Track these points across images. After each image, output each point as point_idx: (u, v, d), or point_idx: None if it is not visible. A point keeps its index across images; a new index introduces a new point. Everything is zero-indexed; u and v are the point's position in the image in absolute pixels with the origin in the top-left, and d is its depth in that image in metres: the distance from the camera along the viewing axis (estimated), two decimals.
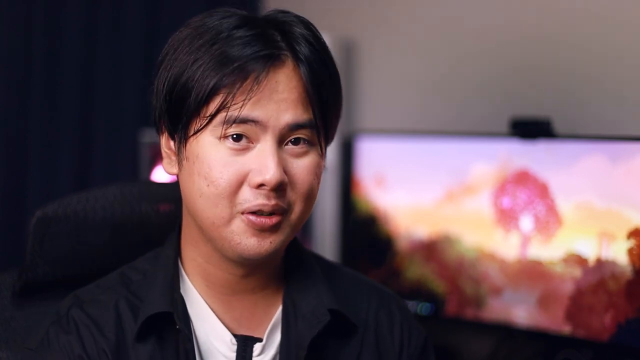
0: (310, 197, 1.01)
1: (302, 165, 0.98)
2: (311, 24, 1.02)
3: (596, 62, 1.82)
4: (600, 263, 1.61)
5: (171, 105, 0.98)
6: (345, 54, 2.27)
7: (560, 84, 1.88)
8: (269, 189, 0.95)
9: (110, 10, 2.30)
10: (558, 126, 1.75)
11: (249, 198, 0.96)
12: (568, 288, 1.66)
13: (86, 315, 1.01)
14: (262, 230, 0.97)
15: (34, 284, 1.15)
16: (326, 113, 1.00)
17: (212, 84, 0.95)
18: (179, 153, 1.00)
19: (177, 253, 1.06)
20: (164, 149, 1.03)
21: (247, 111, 0.95)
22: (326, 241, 2.18)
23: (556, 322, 1.68)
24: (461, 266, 1.84)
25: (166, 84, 0.98)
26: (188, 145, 0.98)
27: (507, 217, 1.77)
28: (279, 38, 0.98)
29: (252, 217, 0.96)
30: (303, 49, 0.98)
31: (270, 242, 0.98)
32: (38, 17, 2.17)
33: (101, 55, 2.27)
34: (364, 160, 2.01)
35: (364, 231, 2.01)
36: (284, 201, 0.97)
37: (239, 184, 0.96)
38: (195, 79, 0.96)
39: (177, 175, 1.02)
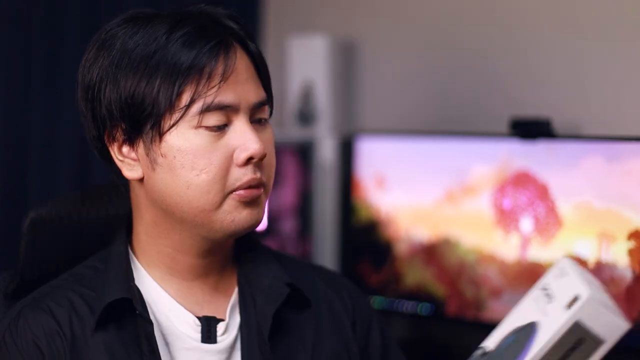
0: (274, 168, 1.08)
1: (266, 138, 1.04)
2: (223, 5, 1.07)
3: (597, 60, 1.82)
4: (600, 265, 1.60)
5: (129, 118, 1.01)
6: (344, 54, 2.27)
7: (560, 84, 1.88)
8: (256, 161, 1.02)
9: (111, 9, 2.29)
10: (558, 126, 1.74)
11: (239, 176, 1.01)
12: None
13: (41, 311, 1.03)
14: (251, 203, 1.03)
15: (27, 285, 1.14)
16: (271, 87, 1.08)
17: (177, 87, 0.99)
18: (148, 154, 1.02)
19: (128, 249, 1.10)
20: (118, 158, 1.05)
21: (221, 98, 1.00)
22: (326, 242, 2.18)
23: None
24: (461, 268, 1.83)
25: (116, 106, 1.01)
26: (163, 142, 1.01)
27: (507, 219, 1.76)
28: (216, 25, 1.03)
29: (242, 192, 1.01)
30: (239, 30, 1.04)
31: (258, 212, 1.04)
32: (38, 17, 2.17)
33: None
34: (364, 161, 2.01)
35: (364, 233, 2.00)
36: (263, 174, 1.04)
37: (228, 166, 1.01)
38: (153, 94, 0.99)
39: (143, 178, 1.04)
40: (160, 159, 1.01)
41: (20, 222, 1.14)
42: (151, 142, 1.01)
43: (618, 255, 1.58)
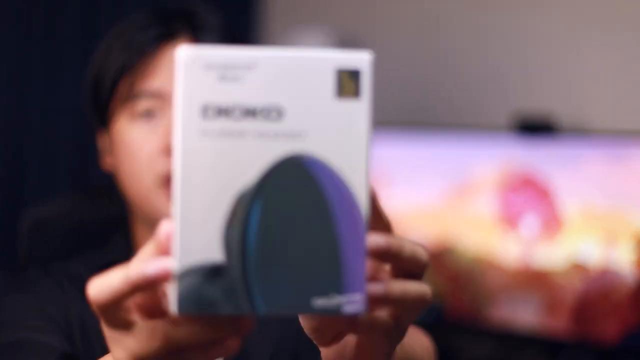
0: None
1: None
2: (219, 14, 1.07)
3: (598, 58, 1.81)
4: (604, 266, 1.59)
5: (95, 99, 1.03)
6: (344, 47, 2.26)
7: (564, 81, 1.87)
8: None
9: (110, 8, 2.29)
10: (561, 122, 1.73)
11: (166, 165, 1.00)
12: (571, 291, 1.64)
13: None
14: None
15: None
16: None
17: (119, 66, 1.00)
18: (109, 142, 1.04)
19: (129, 242, 1.06)
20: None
21: (150, 84, 0.99)
22: None
23: (559, 326, 1.66)
24: (463, 270, 1.82)
25: (90, 84, 1.04)
26: (112, 130, 1.02)
27: (509, 220, 1.75)
28: (178, 20, 1.02)
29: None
30: (202, 32, 1.03)
31: None
32: (38, 16, 2.16)
33: None
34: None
35: None
36: None
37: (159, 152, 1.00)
38: (107, 67, 1.01)
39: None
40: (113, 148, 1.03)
41: (18, 220, 1.13)
42: (108, 129, 1.03)
43: (622, 257, 1.57)
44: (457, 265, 1.83)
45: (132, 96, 0.99)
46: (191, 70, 0.51)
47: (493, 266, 1.76)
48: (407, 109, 2.17)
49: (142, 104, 0.99)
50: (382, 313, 0.56)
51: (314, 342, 0.61)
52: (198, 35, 1.02)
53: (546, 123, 1.73)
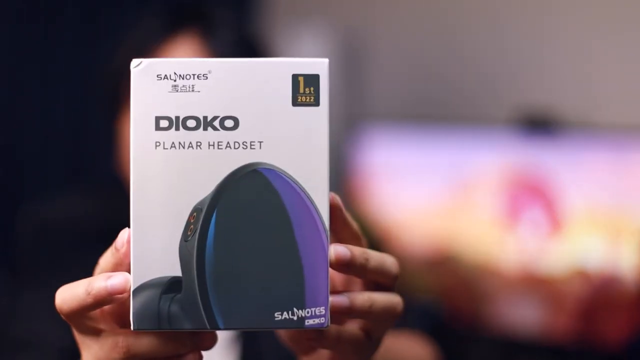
0: None
1: None
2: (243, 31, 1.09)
3: (600, 56, 1.79)
4: (608, 268, 1.57)
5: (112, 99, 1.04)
6: (347, 44, 2.25)
7: (568, 75, 1.85)
8: None
9: (109, 5, 2.29)
10: (566, 118, 1.72)
11: None
12: (574, 294, 1.62)
13: None
14: None
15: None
16: None
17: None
18: None
19: None
20: None
21: None
22: None
23: (562, 330, 1.65)
24: (464, 274, 1.80)
25: (106, 83, 1.05)
26: None
27: (511, 220, 1.73)
28: (191, 18, 1.02)
29: None
30: (214, 29, 1.02)
31: None
32: (34, 12, 2.17)
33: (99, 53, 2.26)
34: (365, 157, 1.98)
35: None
36: None
37: None
38: (121, 66, 1.01)
39: None
40: None
41: (13, 218, 1.13)
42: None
43: (627, 258, 1.55)
44: (458, 269, 1.81)
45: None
46: (144, 80, 0.50)
47: (494, 269, 1.75)
48: (409, 103, 2.16)
49: None
50: (351, 326, 0.55)
51: (292, 351, 0.60)
52: (210, 33, 1.01)
53: (550, 118, 1.71)
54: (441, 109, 2.05)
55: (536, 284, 1.68)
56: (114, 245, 0.52)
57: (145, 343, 0.51)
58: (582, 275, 1.61)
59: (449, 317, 1.84)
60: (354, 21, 2.26)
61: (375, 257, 0.53)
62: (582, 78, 1.82)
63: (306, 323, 0.50)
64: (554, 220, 1.67)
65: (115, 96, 1.00)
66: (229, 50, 1.02)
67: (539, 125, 1.71)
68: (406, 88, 2.17)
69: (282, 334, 0.59)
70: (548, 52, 1.89)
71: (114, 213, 1.13)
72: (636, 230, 1.54)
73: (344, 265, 0.51)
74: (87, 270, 1.01)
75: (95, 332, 0.54)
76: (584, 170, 1.62)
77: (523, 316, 1.71)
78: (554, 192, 1.67)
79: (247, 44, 1.06)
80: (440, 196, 1.84)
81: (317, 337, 0.53)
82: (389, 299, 0.54)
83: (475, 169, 1.78)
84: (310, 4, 2.38)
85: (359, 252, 0.52)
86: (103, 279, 0.50)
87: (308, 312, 0.50)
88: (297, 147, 0.50)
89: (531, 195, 1.71)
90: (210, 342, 0.52)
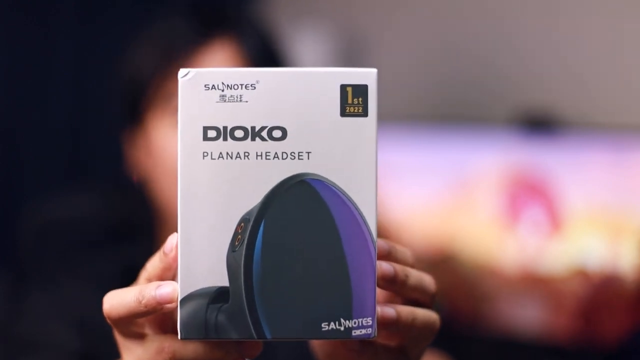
0: None
1: None
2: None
3: (601, 56, 1.80)
4: (609, 267, 1.58)
5: (130, 99, 1.02)
6: (347, 44, 2.25)
7: (568, 76, 1.86)
8: None
9: (106, 5, 2.28)
10: (565, 119, 1.72)
11: None
12: (575, 294, 1.63)
13: None
14: None
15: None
16: None
17: (157, 63, 0.99)
18: None
19: None
20: None
21: None
22: None
23: (562, 330, 1.65)
24: (464, 274, 1.81)
25: (123, 83, 1.03)
26: None
27: (511, 220, 1.74)
28: (216, 18, 1.00)
29: None
30: (240, 30, 1.00)
31: None
32: (31, 5, 2.15)
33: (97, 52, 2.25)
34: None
35: None
36: None
37: None
38: (145, 65, 1.00)
39: None
40: None
41: (16, 218, 1.13)
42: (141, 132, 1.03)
43: (628, 258, 1.56)
44: (458, 268, 1.82)
45: (171, 94, 0.95)
46: (191, 90, 0.50)
47: (494, 269, 1.75)
48: (408, 103, 2.16)
49: None
50: (391, 341, 0.55)
51: None
52: (237, 33, 1.00)
53: (550, 118, 1.71)
54: (441, 108, 2.05)
55: (536, 284, 1.69)
56: (162, 250, 0.52)
57: (190, 349, 0.51)
58: (582, 275, 1.62)
59: (449, 317, 1.85)
60: (353, 21, 2.26)
61: (415, 275, 0.54)
62: (582, 78, 1.83)
63: (353, 333, 0.50)
64: (554, 220, 1.67)
65: (137, 98, 0.98)
66: (260, 56, 1.01)
67: (539, 125, 1.72)
68: (406, 88, 2.17)
69: (318, 350, 0.59)
70: (548, 52, 1.89)
71: (118, 213, 1.13)
72: (636, 229, 1.55)
73: (387, 281, 0.52)
74: (92, 271, 1.01)
75: (140, 337, 0.54)
76: (584, 170, 1.63)
77: (523, 316, 1.71)
78: (554, 192, 1.67)
79: (272, 50, 1.05)
80: (440, 196, 1.84)
81: (359, 348, 0.53)
82: (428, 315, 0.55)
83: (476, 168, 1.79)
84: (311, 4, 2.38)
85: (400, 268, 0.53)
86: (153, 288, 0.50)
87: (355, 323, 0.50)
88: (345, 158, 0.50)
89: (531, 195, 1.71)
90: (255, 351, 0.52)
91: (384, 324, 0.51)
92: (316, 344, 0.58)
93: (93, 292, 0.95)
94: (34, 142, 2.18)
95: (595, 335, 1.61)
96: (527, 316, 1.71)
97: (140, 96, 0.98)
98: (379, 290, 0.56)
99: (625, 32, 1.77)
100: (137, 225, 1.09)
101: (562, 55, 1.86)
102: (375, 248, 0.51)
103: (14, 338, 0.96)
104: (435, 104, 2.09)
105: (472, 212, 1.79)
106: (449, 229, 1.84)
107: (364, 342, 0.52)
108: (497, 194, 1.75)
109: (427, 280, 0.55)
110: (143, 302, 0.50)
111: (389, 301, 0.57)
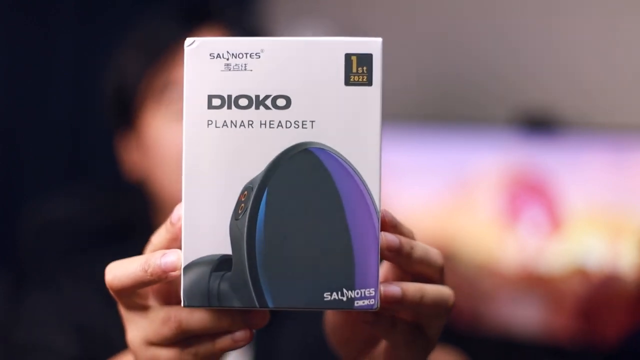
0: None
1: None
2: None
3: (600, 55, 1.80)
4: (608, 267, 1.58)
5: (120, 97, 1.02)
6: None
7: (568, 76, 1.86)
8: None
9: (106, 5, 2.28)
10: (565, 119, 1.72)
11: None
12: (574, 294, 1.63)
13: None
14: None
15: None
16: None
17: (145, 59, 1.00)
18: None
19: None
20: None
21: (177, 74, 0.97)
22: None
23: (562, 330, 1.65)
24: (462, 270, 1.81)
25: (112, 82, 1.04)
26: None
27: (511, 220, 1.74)
28: (202, 14, 1.01)
29: None
30: (227, 24, 1.01)
31: None
32: (30, 4, 2.16)
33: (98, 52, 2.25)
34: None
35: None
36: None
37: None
38: (133, 62, 1.00)
39: None
40: None
41: (12, 216, 1.13)
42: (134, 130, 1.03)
43: (627, 258, 1.55)
44: (457, 268, 1.81)
45: (161, 87, 0.96)
46: (197, 59, 0.50)
47: (494, 268, 1.75)
48: (408, 103, 2.16)
49: (173, 95, 0.96)
50: (405, 316, 0.54)
51: (341, 357, 0.59)
52: (224, 26, 1.00)
53: (550, 118, 1.71)
54: (441, 108, 2.05)
55: (536, 283, 1.68)
56: (168, 220, 0.51)
57: (197, 318, 0.51)
58: (582, 275, 1.62)
59: (449, 316, 1.84)
60: (353, 21, 2.26)
61: (420, 247, 0.53)
62: (581, 78, 1.83)
63: (355, 304, 0.49)
64: (554, 219, 1.67)
65: (127, 100, 0.98)
66: None
67: (538, 125, 1.72)
68: (406, 88, 2.17)
69: (333, 337, 0.58)
70: (548, 52, 1.89)
71: (119, 213, 1.13)
72: (636, 229, 1.55)
73: (392, 252, 0.51)
74: (92, 271, 1.01)
75: (143, 308, 0.54)
76: (584, 170, 1.63)
77: (523, 315, 1.71)
78: (554, 192, 1.67)
79: None
80: (440, 196, 1.84)
81: (373, 320, 0.52)
82: (439, 291, 0.54)
83: (475, 168, 1.79)
84: (311, 3, 2.38)
85: (405, 240, 0.52)
86: (159, 256, 0.50)
87: (357, 293, 0.49)
88: (349, 126, 0.50)
89: (531, 195, 1.71)
90: (261, 321, 0.52)
91: (391, 302, 0.51)
92: (328, 316, 0.58)
93: (92, 292, 0.96)
94: (34, 142, 2.17)
95: (595, 335, 1.60)
96: (527, 316, 1.70)
97: (129, 97, 0.98)
98: (387, 268, 0.55)
99: (625, 32, 1.77)
100: (137, 225, 1.09)
101: (562, 55, 1.87)
102: (378, 218, 0.50)
103: (13, 341, 0.95)
104: (435, 104, 2.08)
105: (472, 212, 1.79)
106: (449, 229, 1.83)
107: (377, 314, 0.52)
108: (497, 194, 1.75)
109: (433, 252, 0.54)
110: (149, 270, 0.50)
111: (397, 278, 0.55)
